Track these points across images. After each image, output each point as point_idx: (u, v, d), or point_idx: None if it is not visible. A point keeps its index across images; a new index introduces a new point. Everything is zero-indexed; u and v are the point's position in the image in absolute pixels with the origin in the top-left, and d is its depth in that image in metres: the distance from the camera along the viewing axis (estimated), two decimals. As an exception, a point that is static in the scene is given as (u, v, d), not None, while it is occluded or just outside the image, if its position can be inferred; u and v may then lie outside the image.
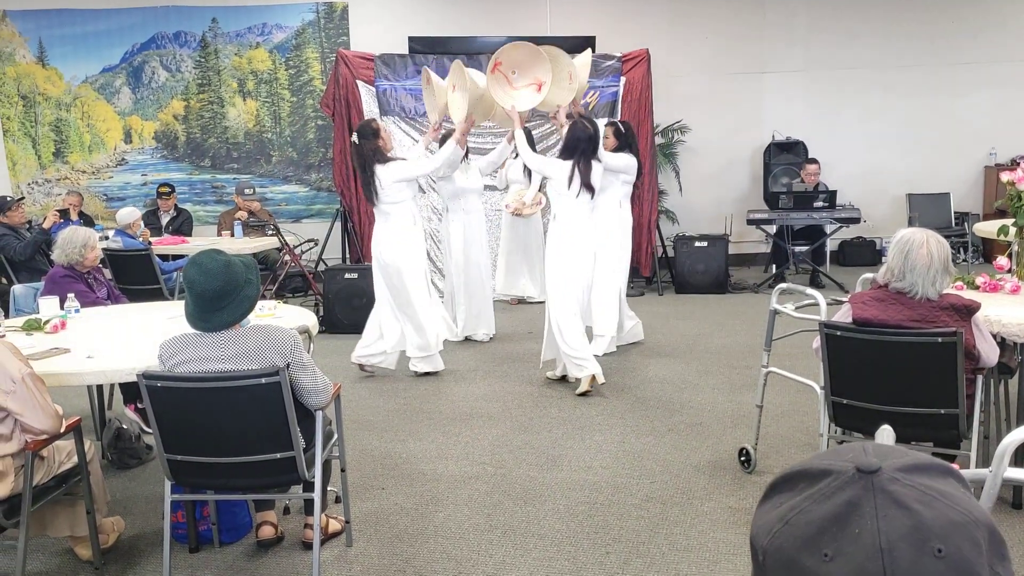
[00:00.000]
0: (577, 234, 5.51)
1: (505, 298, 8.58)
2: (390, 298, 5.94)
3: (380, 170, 5.69)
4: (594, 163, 5.49)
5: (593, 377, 5.47)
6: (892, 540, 0.66)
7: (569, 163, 5.44)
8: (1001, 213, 6.97)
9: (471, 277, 6.97)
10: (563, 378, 5.74)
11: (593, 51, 9.07)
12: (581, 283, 5.57)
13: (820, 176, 9.50)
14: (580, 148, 5.42)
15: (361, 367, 6.11)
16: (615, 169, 6.12)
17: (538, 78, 5.67)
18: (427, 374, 6.03)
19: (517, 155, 8.14)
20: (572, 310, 5.51)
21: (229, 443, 3.04)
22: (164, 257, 7.53)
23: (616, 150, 6.34)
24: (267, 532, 3.59)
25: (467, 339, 7.02)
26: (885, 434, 1.74)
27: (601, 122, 8.61)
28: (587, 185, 5.46)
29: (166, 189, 9.14)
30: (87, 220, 8.90)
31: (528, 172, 8.22)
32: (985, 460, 3.69)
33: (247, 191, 9.11)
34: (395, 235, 5.79)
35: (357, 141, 5.77)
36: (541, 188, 7.58)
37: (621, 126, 6.62)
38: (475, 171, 7.03)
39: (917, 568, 0.65)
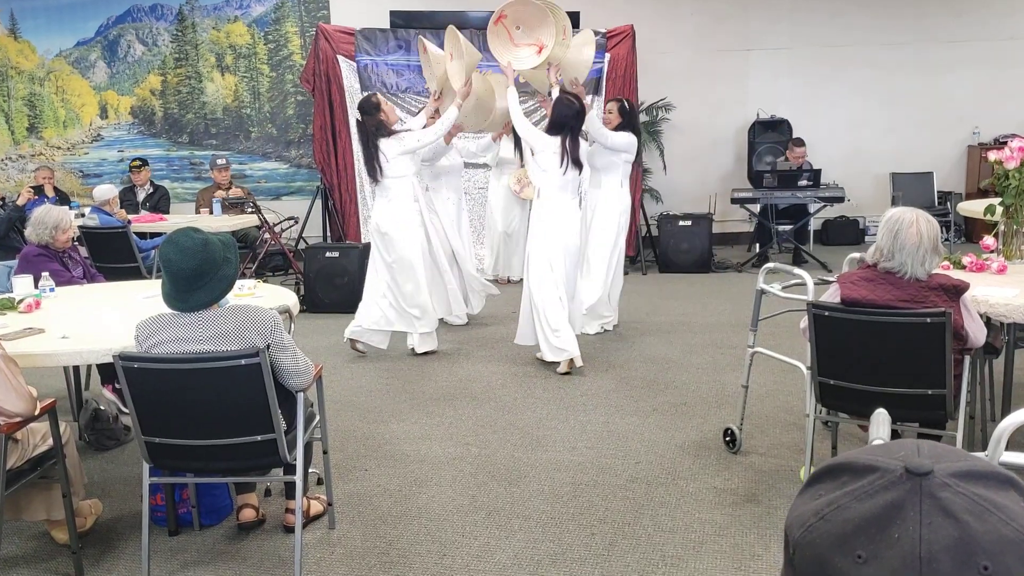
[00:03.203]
0: (564, 213, 5.46)
1: (490, 278, 8.55)
2: (387, 275, 5.84)
3: (384, 144, 5.64)
4: (581, 140, 5.49)
5: (571, 360, 5.44)
6: (934, 550, 0.61)
7: (557, 139, 5.39)
8: (984, 193, 6.99)
9: (453, 257, 6.88)
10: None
11: (577, 27, 9.01)
12: (568, 263, 5.50)
13: (805, 157, 9.50)
14: (568, 124, 5.39)
15: (353, 345, 6.03)
16: (618, 148, 6.07)
17: (540, 40, 5.45)
18: (425, 353, 5.96)
19: (503, 137, 8.09)
20: (556, 293, 5.46)
21: (208, 425, 2.98)
22: (142, 235, 7.42)
23: (619, 128, 6.29)
24: (248, 515, 3.54)
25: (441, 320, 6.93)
26: (881, 418, 1.71)
27: (591, 99, 8.58)
28: (576, 161, 5.42)
29: (138, 163, 9.00)
30: (63, 197, 8.76)
31: (519, 151, 8.16)
32: (970, 441, 3.69)
33: (220, 162, 8.99)
34: (395, 210, 5.73)
35: (360, 118, 5.75)
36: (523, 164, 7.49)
37: (626, 103, 6.51)
38: (455, 151, 6.94)
39: None
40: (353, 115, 8.77)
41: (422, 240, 5.88)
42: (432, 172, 6.82)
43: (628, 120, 6.36)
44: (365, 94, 6.28)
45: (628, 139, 6.18)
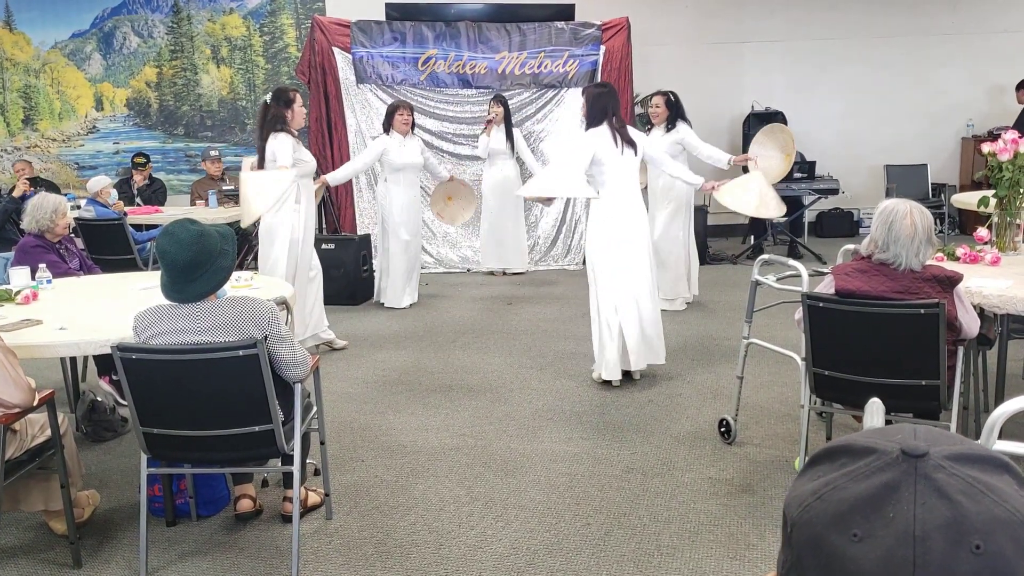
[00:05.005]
0: (631, 207, 5.01)
1: (482, 270, 8.58)
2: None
3: (270, 141, 5.46)
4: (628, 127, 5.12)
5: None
6: (927, 529, 0.63)
7: (604, 126, 4.95)
8: (978, 184, 7.01)
9: (409, 249, 7.10)
10: (626, 374, 5.12)
11: (572, 19, 9.02)
12: (638, 263, 5.02)
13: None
14: (609, 106, 4.99)
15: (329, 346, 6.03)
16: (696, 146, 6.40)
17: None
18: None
19: (490, 126, 8.09)
20: (619, 305, 5.01)
21: (206, 416, 2.99)
22: (138, 227, 7.41)
23: (668, 120, 6.35)
24: (245, 505, 3.55)
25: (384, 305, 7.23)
26: (875, 408, 1.73)
27: (577, 91, 8.57)
28: (629, 141, 4.98)
29: (141, 159, 8.92)
30: (53, 190, 8.72)
31: (511, 144, 8.16)
32: (964, 431, 3.72)
33: (212, 153, 8.98)
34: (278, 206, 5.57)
35: (268, 102, 5.58)
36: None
37: (671, 95, 6.55)
38: (413, 147, 7.06)
39: (950, 562, 0.62)
40: (349, 108, 8.78)
41: (287, 242, 5.62)
42: (392, 165, 6.98)
43: (676, 111, 6.40)
44: (285, 86, 6.04)
45: (693, 136, 6.41)
